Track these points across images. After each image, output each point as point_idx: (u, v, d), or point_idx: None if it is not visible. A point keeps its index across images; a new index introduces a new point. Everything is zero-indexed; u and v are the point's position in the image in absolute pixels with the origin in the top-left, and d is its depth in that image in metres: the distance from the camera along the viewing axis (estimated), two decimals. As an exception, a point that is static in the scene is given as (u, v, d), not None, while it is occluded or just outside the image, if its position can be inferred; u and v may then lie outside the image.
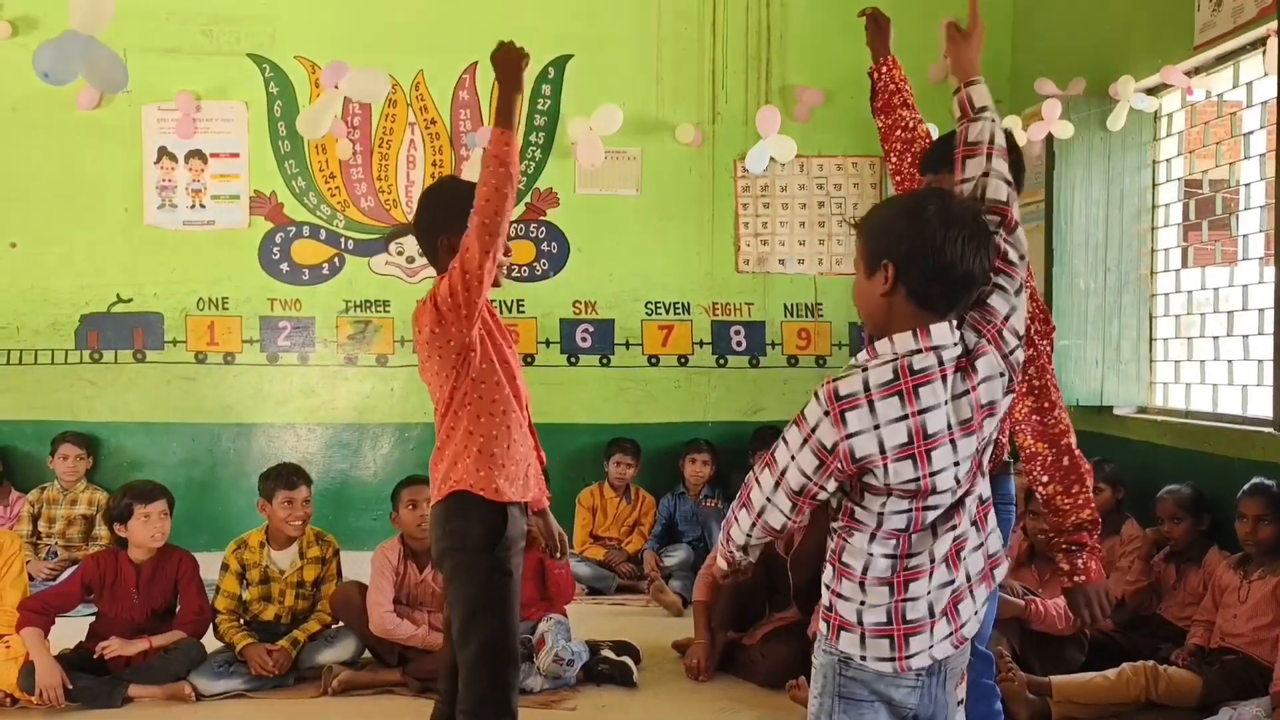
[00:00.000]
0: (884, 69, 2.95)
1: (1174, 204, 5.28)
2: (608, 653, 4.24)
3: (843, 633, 1.94)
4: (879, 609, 1.91)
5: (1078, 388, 5.28)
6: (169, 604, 4.18)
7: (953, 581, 1.93)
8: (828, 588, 1.97)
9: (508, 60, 2.65)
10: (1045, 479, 2.45)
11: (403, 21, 6.18)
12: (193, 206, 6.23)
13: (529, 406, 2.92)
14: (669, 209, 6.42)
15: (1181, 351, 5.16)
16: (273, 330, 6.28)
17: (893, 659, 1.91)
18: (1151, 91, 5.19)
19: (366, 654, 4.24)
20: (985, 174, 2.02)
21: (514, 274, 6.31)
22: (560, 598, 4.36)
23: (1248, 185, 4.77)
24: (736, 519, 2.00)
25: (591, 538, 5.90)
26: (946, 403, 1.85)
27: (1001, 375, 1.89)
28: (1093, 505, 2.45)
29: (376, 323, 6.33)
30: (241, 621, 4.21)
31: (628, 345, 6.45)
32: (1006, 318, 1.92)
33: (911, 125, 2.91)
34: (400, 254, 6.30)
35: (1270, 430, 4.16)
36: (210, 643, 4.18)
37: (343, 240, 6.31)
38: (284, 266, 6.28)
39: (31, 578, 4.54)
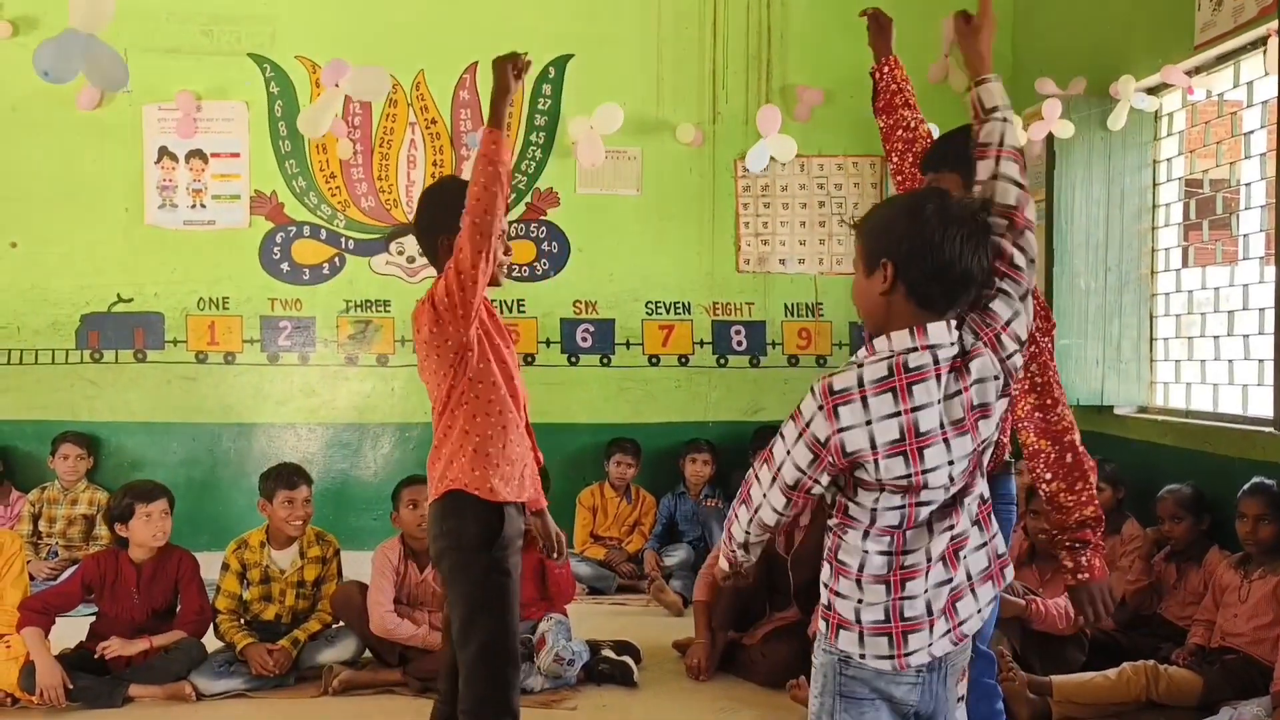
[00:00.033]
0: (886, 69, 2.95)
1: (1174, 203, 5.28)
2: (608, 652, 4.24)
3: (841, 631, 1.95)
4: (877, 607, 1.91)
5: (1078, 387, 5.28)
6: (169, 604, 4.18)
7: (950, 580, 1.93)
8: (826, 586, 1.98)
9: (497, 62, 2.69)
10: (1049, 476, 2.44)
11: (403, 21, 6.19)
12: (193, 206, 6.24)
13: (527, 407, 2.93)
14: (669, 209, 6.42)
15: (1182, 351, 5.16)
16: (273, 330, 6.28)
17: (892, 656, 1.92)
18: (1152, 91, 5.19)
19: (367, 654, 4.24)
20: (993, 177, 2.00)
21: (514, 274, 6.31)
22: (561, 597, 4.36)
23: (1248, 185, 4.77)
24: (737, 515, 2.03)
25: (592, 537, 5.90)
26: (939, 402, 1.86)
27: (996, 379, 1.89)
28: (1096, 503, 2.44)
29: (377, 322, 6.34)
30: (242, 621, 4.22)
31: (628, 345, 6.45)
32: (1008, 323, 1.92)
33: (913, 125, 2.90)
34: (401, 254, 6.30)
35: (1271, 430, 4.16)
36: (211, 642, 4.18)
37: (343, 240, 6.31)
38: (284, 266, 6.28)
39: (32, 577, 4.54)
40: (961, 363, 1.88)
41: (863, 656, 1.93)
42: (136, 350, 6.22)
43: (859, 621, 1.93)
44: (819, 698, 1.99)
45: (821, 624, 2.00)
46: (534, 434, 2.96)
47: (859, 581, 1.92)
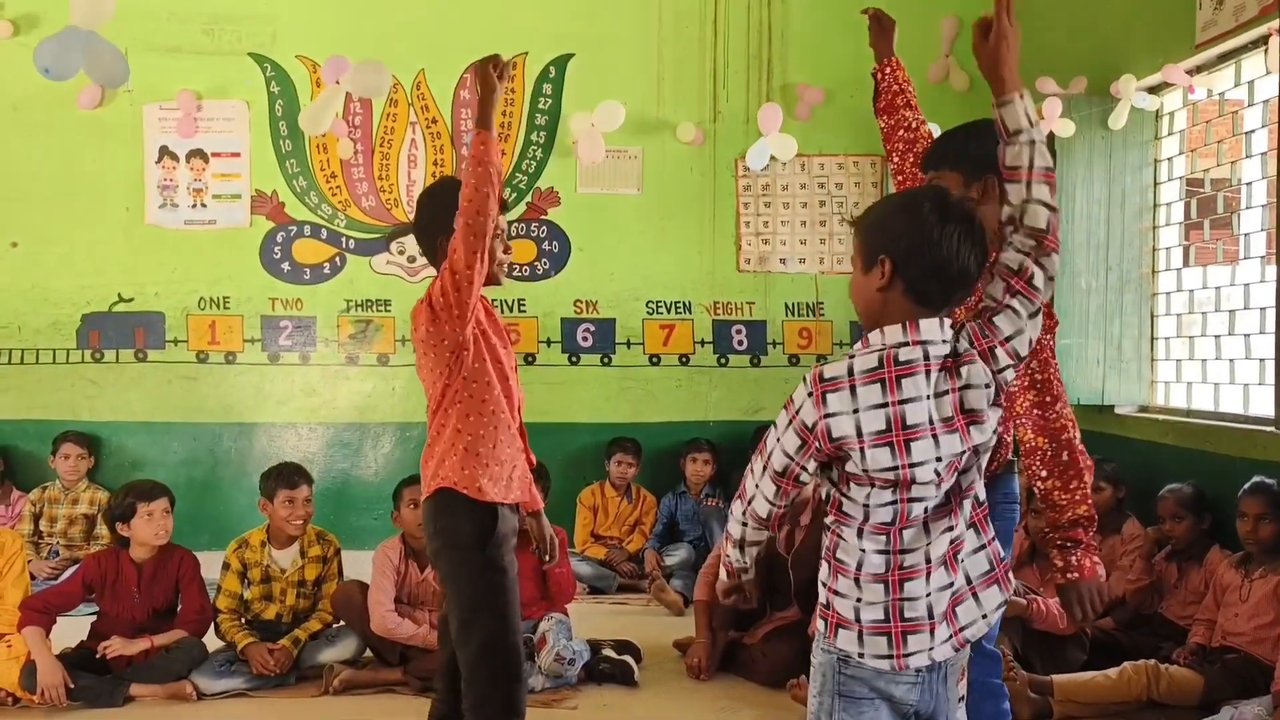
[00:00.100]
0: (888, 70, 2.95)
1: (1175, 203, 5.28)
2: (609, 652, 4.24)
3: (840, 630, 1.95)
4: (876, 606, 1.92)
5: (1079, 387, 5.28)
6: (170, 603, 4.18)
7: (951, 584, 1.94)
8: (824, 585, 1.99)
9: (479, 65, 2.70)
10: (1044, 474, 2.44)
11: (404, 21, 6.19)
12: (194, 206, 6.24)
13: (521, 409, 2.93)
14: (670, 208, 6.42)
15: (1183, 350, 5.16)
16: (274, 329, 6.28)
17: (891, 656, 1.92)
18: (1153, 90, 5.19)
19: (368, 653, 4.24)
20: (1026, 201, 1.96)
21: (515, 273, 6.31)
22: (561, 597, 4.36)
23: (1249, 184, 4.77)
24: (732, 510, 2.07)
25: (593, 537, 5.90)
26: (929, 397, 1.87)
27: (987, 387, 1.90)
28: (1090, 502, 2.43)
29: (378, 322, 6.34)
30: (243, 621, 4.22)
31: (629, 344, 6.45)
32: (1008, 339, 1.92)
33: (914, 126, 2.91)
34: (401, 253, 6.30)
35: (1272, 429, 4.16)
36: (212, 642, 4.18)
37: (344, 239, 6.31)
38: (285, 266, 6.28)
39: (33, 577, 4.54)
40: (953, 363, 1.89)
41: (861, 656, 1.93)
42: (137, 350, 6.22)
43: (858, 620, 1.93)
44: (818, 697, 2.00)
45: (820, 623, 2.00)
46: (527, 435, 2.96)
47: (857, 580, 1.93)
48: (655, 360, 6.46)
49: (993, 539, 2.02)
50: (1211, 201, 5.22)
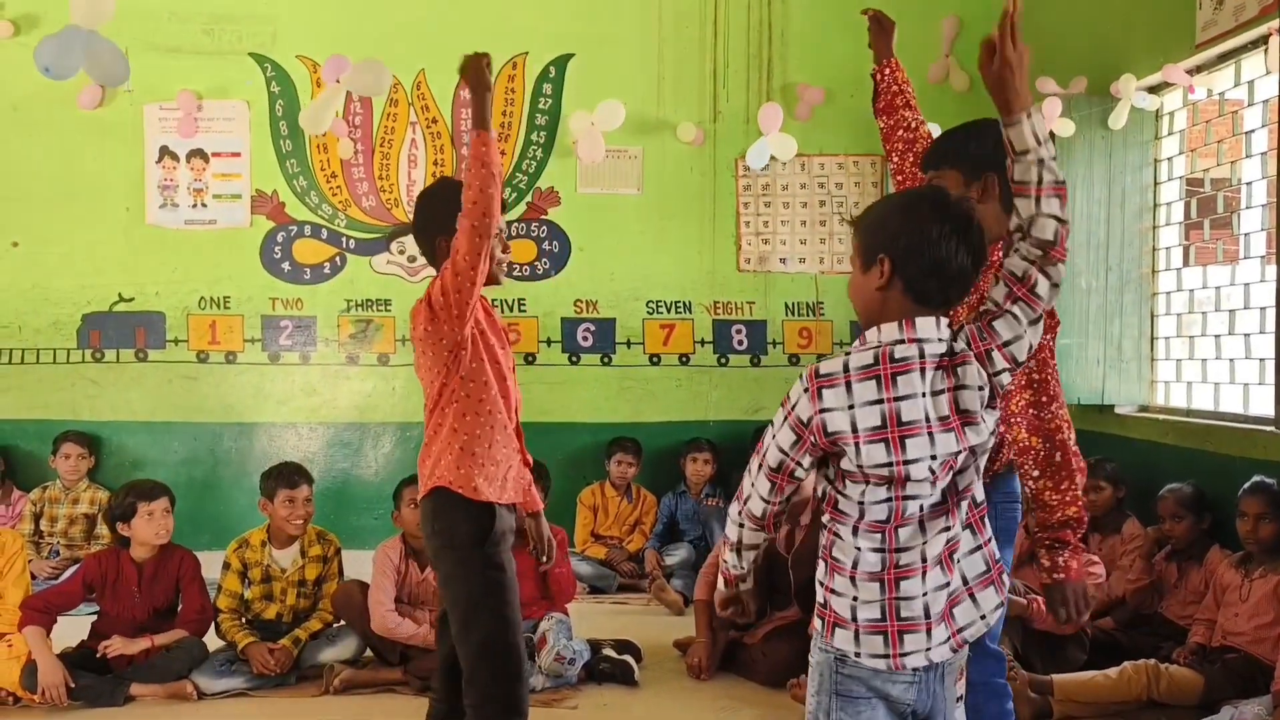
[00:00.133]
0: (886, 71, 2.96)
1: (1175, 202, 5.28)
2: (609, 651, 4.24)
3: (837, 629, 1.95)
4: (873, 605, 1.92)
5: (1079, 386, 5.28)
6: (171, 603, 4.18)
7: (948, 584, 1.94)
8: (821, 584, 2.00)
9: (468, 66, 2.67)
10: (1036, 473, 2.44)
11: (404, 21, 6.19)
12: (194, 206, 6.24)
13: (519, 409, 2.93)
14: (670, 208, 6.42)
15: (1183, 350, 5.16)
16: (274, 329, 6.28)
17: (887, 656, 1.92)
18: (1153, 90, 5.19)
19: (368, 653, 4.24)
20: (1035, 215, 1.94)
21: (515, 273, 6.32)
22: (561, 597, 4.37)
23: (1249, 184, 4.77)
24: (730, 512, 2.07)
25: (593, 537, 5.90)
26: (924, 395, 1.88)
27: (981, 389, 1.91)
28: (1080, 504, 2.43)
29: (378, 322, 6.34)
30: (243, 620, 4.22)
31: (629, 344, 6.45)
32: (1006, 344, 1.92)
33: (914, 126, 2.91)
34: (402, 253, 6.30)
35: (1272, 429, 4.16)
36: (212, 641, 4.19)
37: (344, 239, 6.31)
38: (285, 266, 6.28)
39: (33, 576, 4.54)
40: (949, 362, 1.90)
41: (858, 655, 1.93)
42: (138, 350, 6.23)
43: (855, 619, 1.93)
44: (816, 696, 2.00)
45: (817, 622, 2.00)
46: (523, 436, 2.96)
47: (853, 579, 1.93)
48: (655, 360, 6.46)
49: (989, 540, 2.02)
50: (1211, 201, 5.22)
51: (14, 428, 6.11)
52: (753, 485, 1.99)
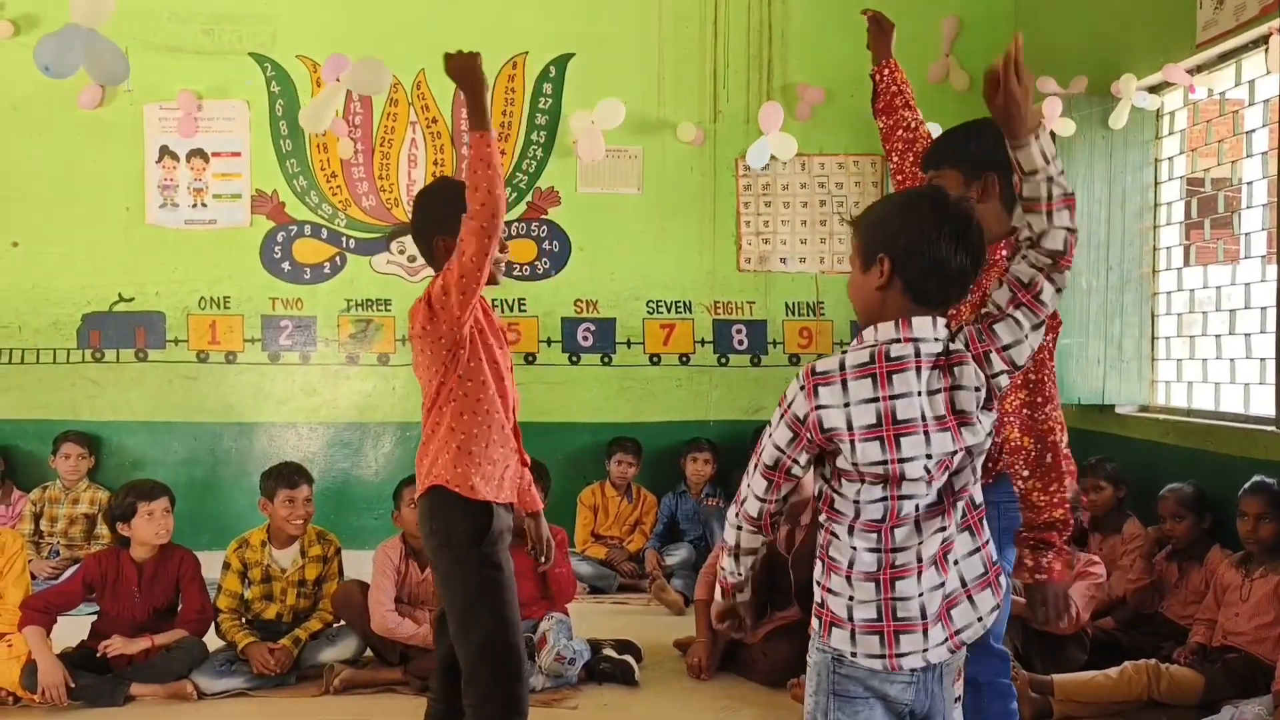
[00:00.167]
0: (885, 71, 2.96)
1: (1176, 202, 5.27)
2: (609, 651, 4.24)
3: (834, 629, 1.96)
4: (869, 605, 1.92)
5: (1080, 386, 5.27)
6: (171, 603, 4.18)
7: (943, 584, 1.94)
8: (818, 584, 2.00)
9: (460, 67, 2.64)
10: (1026, 473, 2.44)
11: (404, 20, 6.19)
12: (194, 205, 6.24)
13: (517, 409, 2.93)
14: (670, 208, 6.42)
15: (1183, 350, 5.15)
16: (274, 329, 6.28)
17: (883, 656, 1.92)
18: (1153, 89, 5.18)
19: (368, 653, 4.24)
20: (1046, 229, 1.94)
21: (515, 273, 6.32)
22: (562, 597, 4.36)
23: (1250, 183, 4.77)
24: (728, 515, 2.07)
25: (593, 536, 5.90)
26: (920, 394, 1.88)
27: (978, 390, 1.91)
28: (1067, 507, 2.43)
29: (378, 321, 6.34)
30: (243, 620, 4.22)
31: (629, 344, 6.44)
32: (1005, 347, 1.93)
33: (913, 126, 2.91)
34: (402, 253, 6.30)
35: (1272, 429, 4.16)
36: (212, 641, 4.19)
37: (344, 239, 6.31)
38: (285, 265, 6.28)
39: (33, 576, 4.54)
40: (945, 362, 1.90)
41: (854, 655, 1.94)
42: (138, 349, 6.23)
43: (851, 619, 1.94)
44: (814, 696, 2.00)
45: (815, 621, 2.00)
46: (521, 436, 2.95)
47: (849, 578, 1.93)
48: (655, 360, 6.46)
49: (987, 542, 2.02)
50: (1212, 201, 5.21)
51: (14, 428, 6.11)
52: (749, 486, 2.00)
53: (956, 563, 1.96)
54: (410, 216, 2.95)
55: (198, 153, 6.21)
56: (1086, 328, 5.32)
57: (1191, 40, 4.73)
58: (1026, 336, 1.94)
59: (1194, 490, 4.29)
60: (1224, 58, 4.73)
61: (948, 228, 1.89)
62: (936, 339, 1.91)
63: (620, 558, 5.76)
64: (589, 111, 5.98)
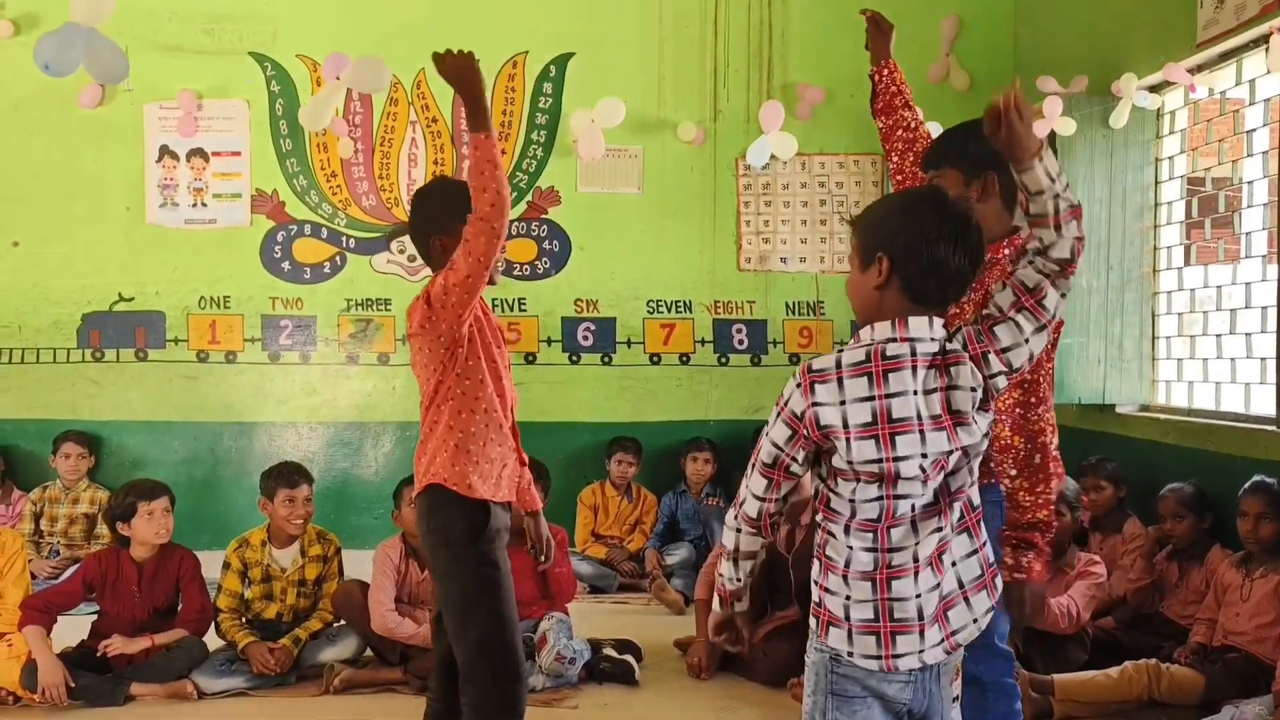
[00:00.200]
0: (884, 72, 2.97)
1: (1177, 202, 5.27)
2: (609, 651, 4.24)
3: (831, 629, 1.96)
4: (866, 605, 1.93)
5: (1080, 386, 5.27)
6: (171, 602, 4.18)
7: (939, 585, 1.94)
8: (816, 583, 2.00)
9: (457, 67, 2.60)
10: (1014, 473, 2.44)
11: (404, 20, 6.18)
12: (194, 205, 6.24)
13: (515, 408, 2.93)
14: (671, 207, 6.42)
15: (1184, 349, 5.15)
16: (274, 329, 6.28)
17: (879, 656, 1.92)
18: (1154, 89, 5.18)
19: (368, 652, 4.24)
20: (1055, 241, 1.95)
21: (515, 272, 6.32)
22: (562, 596, 4.36)
23: (1250, 183, 4.77)
24: (726, 519, 2.07)
25: (593, 536, 5.90)
26: (916, 393, 1.88)
27: (974, 390, 1.91)
28: (1052, 508, 2.44)
29: (378, 321, 6.34)
30: (243, 620, 4.22)
31: (629, 344, 6.44)
32: (1004, 350, 1.93)
33: (913, 126, 2.91)
34: (402, 252, 6.30)
35: (1273, 428, 4.16)
36: (212, 641, 4.19)
37: (344, 239, 6.31)
38: (285, 265, 6.28)
39: (34, 576, 4.54)
40: (941, 362, 1.90)
41: (851, 655, 1.94)
42: (138, 349, 6.23)
43: (848, 619, 1.94)
44: (812, 696, 2.01)
45: (812, 621, 2.01)
46: (519, 435, 2.95)
47: (845, 577, 1.94)
48: (656, 359, 6.46)
49: (985, 543, 2.02)
50: (1213, 200, 5.21)
51: (14, 427, 6.11)
52: (748, 486, 2.00)
53: (954, 564, 1.96)
54: (408, 217, 2.95)
55: (198, 152, 6.21)
56: (1087, 327, 5.32)
57: (1192, 39, 4.73)
58: (1027, 340, 1.94)
59: (1194, 490, 4.28)
60: (1225, 57, 4.73)
61: (947, 228, 1.89)
62: (933, 339, 1.91)
63: (620, 557, 5.76)
64: (589, 111, 5.98)
